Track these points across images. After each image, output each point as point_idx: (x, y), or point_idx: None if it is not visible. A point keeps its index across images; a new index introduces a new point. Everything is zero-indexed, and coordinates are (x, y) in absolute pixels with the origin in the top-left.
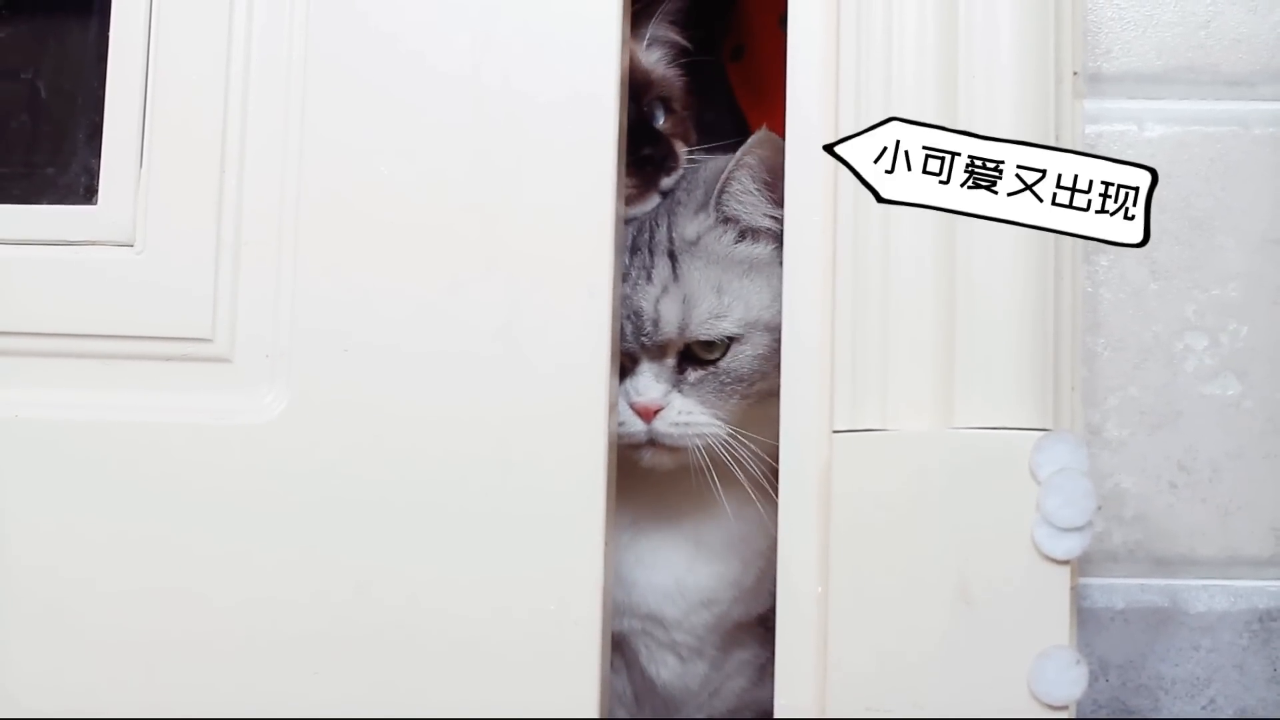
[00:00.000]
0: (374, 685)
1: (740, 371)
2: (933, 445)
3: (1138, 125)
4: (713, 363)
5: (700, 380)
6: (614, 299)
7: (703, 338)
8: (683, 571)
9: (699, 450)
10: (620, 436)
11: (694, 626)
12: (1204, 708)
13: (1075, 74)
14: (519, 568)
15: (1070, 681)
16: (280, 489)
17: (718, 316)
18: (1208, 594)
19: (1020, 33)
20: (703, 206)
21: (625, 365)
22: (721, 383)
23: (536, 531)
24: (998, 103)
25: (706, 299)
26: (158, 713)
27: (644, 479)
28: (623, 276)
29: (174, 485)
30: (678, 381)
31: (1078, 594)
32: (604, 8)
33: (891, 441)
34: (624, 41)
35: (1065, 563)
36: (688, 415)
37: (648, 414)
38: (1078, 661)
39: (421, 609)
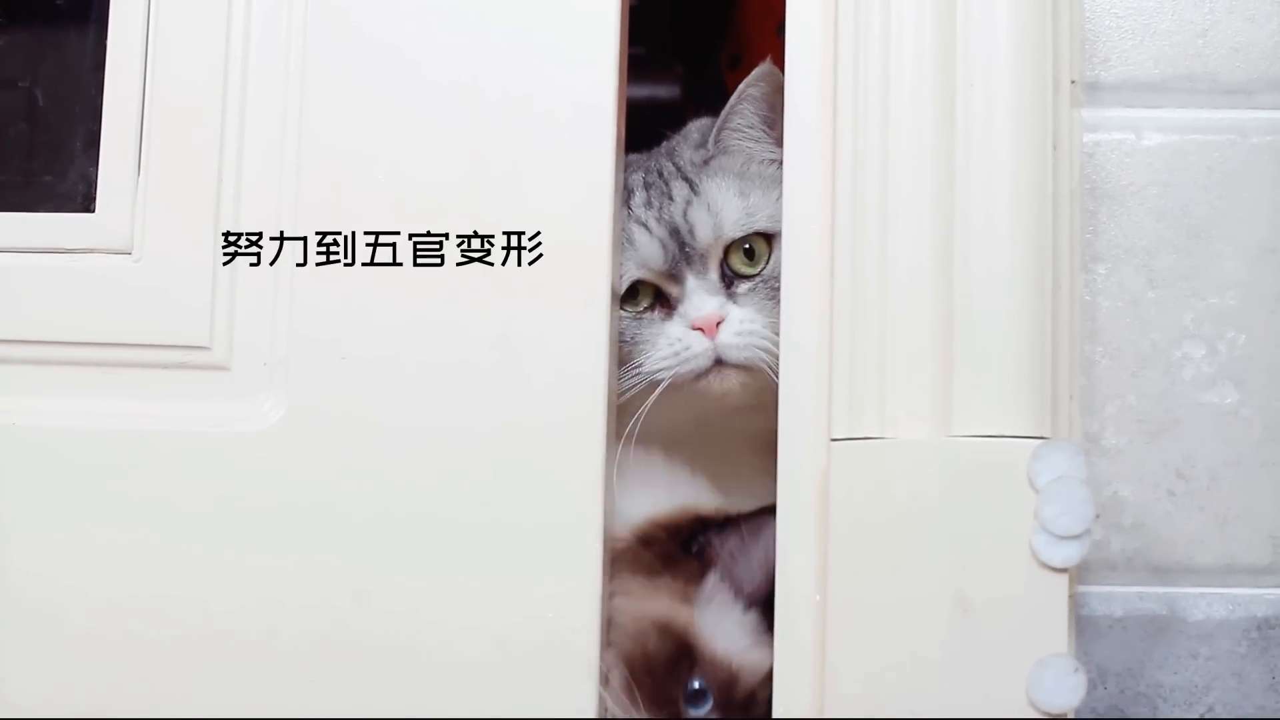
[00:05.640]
0: (371, 692)
1: None
2: (931, 453)
3: (1135, 134)
4: (757, 274)
5: (750, 290)
6: (612, 308)
7: (738, 235)
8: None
9: (770, 369)
10: (681, 372)
11: None
12: (1202, 715)
13: (1073, 83)
14: (516, 576)
15: (1069, 689)
16: (278, 497)
17: (748, 214)
18: (1206, 602)
19: (1018, 41)
20: (701, 144)
21: (670, 293)
22: (772, 289)
23: (534, 540)
24: (995, 111)
25: (731, 202)
26: (154, 718)
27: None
28: (644, 205)
29: (171, 493)
30: (729, 295)
31: (1076, 602)
32: (603, 17)
33: (889, 449)
34: (623, 50)
35: (1063, 571)
36: (750, 323)
37: (710, 328)
38: (1076, 669)
39: (419, 616)
